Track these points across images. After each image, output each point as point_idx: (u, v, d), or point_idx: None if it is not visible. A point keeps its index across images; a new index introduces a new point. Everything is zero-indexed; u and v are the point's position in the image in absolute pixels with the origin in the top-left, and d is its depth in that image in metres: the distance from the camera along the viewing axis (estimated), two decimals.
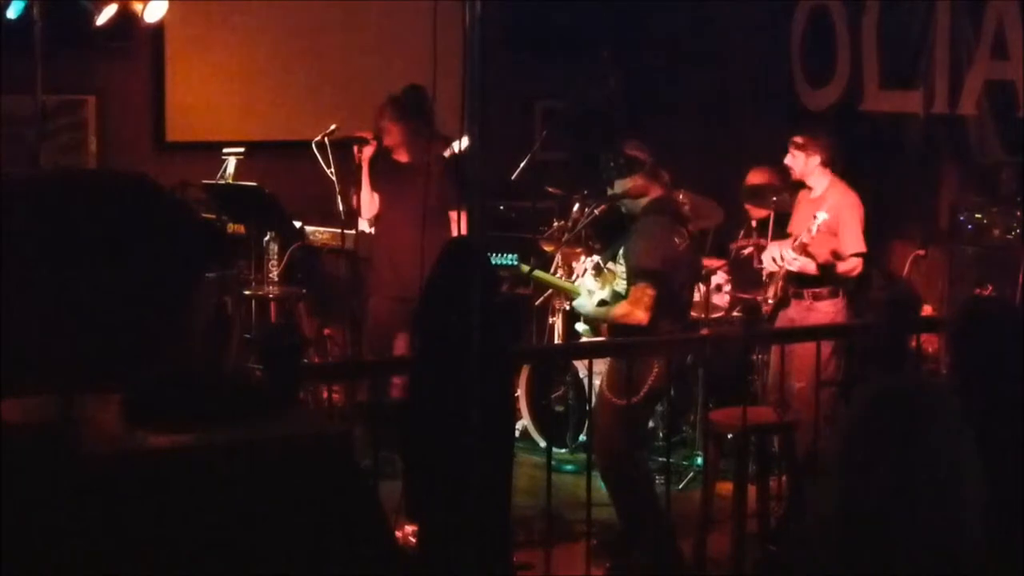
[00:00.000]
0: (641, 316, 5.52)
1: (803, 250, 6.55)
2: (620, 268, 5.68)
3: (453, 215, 6.74)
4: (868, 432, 2.04)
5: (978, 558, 1.99)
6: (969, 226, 7.19)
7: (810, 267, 6.58)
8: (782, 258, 6.62)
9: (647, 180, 5.74)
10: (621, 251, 5.70)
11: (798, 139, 6.81)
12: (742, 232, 7.75)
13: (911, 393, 2.07)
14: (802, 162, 6.78)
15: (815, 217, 6.47)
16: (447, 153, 7.21)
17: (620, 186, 5.77)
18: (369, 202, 7.24)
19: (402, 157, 7.08)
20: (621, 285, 5.65)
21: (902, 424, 2.02)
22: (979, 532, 1.99)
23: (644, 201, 5.75)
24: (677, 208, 6.04)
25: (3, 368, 2.86)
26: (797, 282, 6.70)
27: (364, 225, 7.36)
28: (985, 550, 2.00)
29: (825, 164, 6.76)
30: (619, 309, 5.61)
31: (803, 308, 6.67)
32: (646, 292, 5.52)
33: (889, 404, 2.06)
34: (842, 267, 6.62)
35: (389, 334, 7.10)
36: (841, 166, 6.88)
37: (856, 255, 6.62)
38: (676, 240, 5.69)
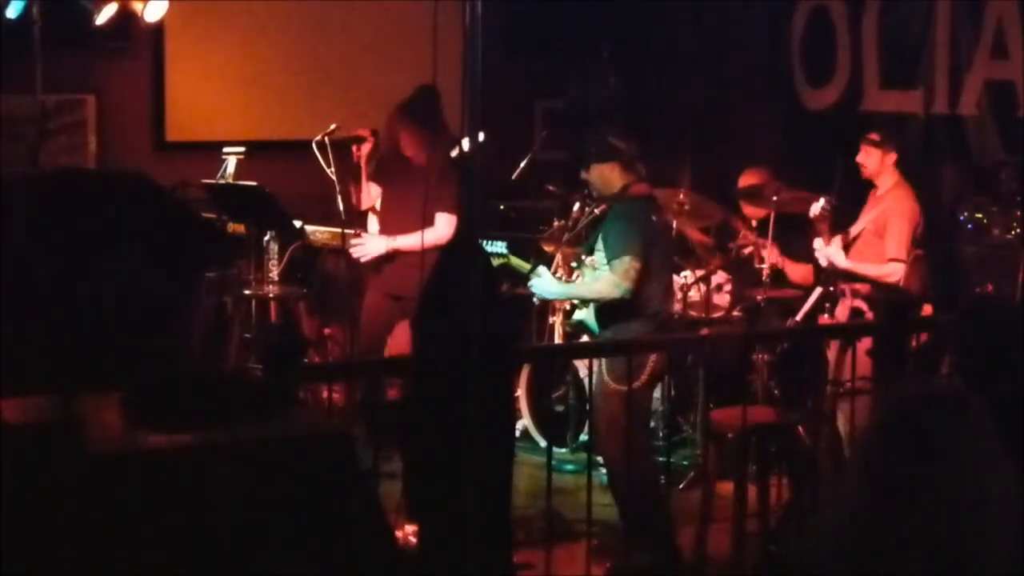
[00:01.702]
0: (625, 288, 5.55)
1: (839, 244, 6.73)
2: (599, 255, 5.71)
3: (441, 216, 6.72)
4: (890, 436, 2.02)
5: (1006, 565, 1.96)
6: (969, 226, 7.19)
7: (860, 270, 6.70)
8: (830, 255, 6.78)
9: (622, 170, 5.78)
10: (599, 238, 5.73)
11: (874, 136, 6.87)
12: (742, 232, 7.75)
13: (936, 398, 2.06)
14: (877, 159, 6.85)
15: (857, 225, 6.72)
16: (454, 153, 7.21)
17: (595, 171, 5.82)
18: (367, 195, 7.25)
19: (420, 160, 7.07)
20: (604, 271, 5.67)
21: (925, 429, 2.00)
22: (1008, 541, 1.97)
23: (618, 187, 5.80)
24: (653, 198, 6.07)
25: (3, 368, 2.86)
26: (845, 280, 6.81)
27: (373, 227, 7.37)
28: (1016, 558, 1.98)
29: (895, 164, 6.84)
30: (601, 283, 5.63)
31: (846, 308, 6.72)
32: (632, 265, 5.55)
33: (913, 409, 2.05)
34: (875, 272, 6.67)
35: (383, 331, 7.10)
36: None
37: (894, 260, 6.66)
38: (653, 218, 5.77)
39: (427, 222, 6.55)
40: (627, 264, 5.56)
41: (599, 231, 5.80)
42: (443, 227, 6.66)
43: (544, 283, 6.01)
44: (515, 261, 6.27)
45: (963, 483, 1.95)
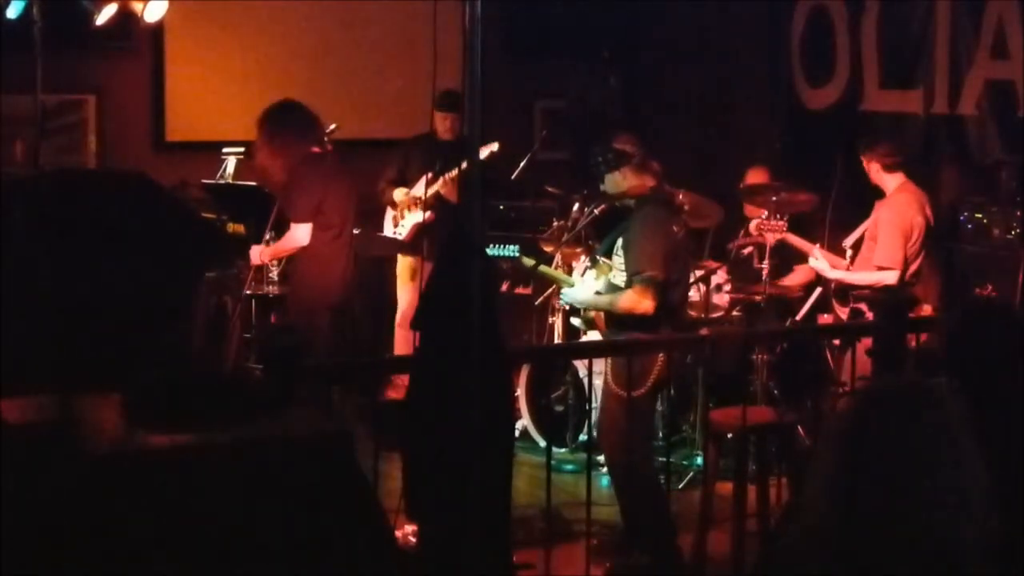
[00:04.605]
0: (648, 305, 5.50)
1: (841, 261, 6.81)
2: (617, 260, 5.67)
3: (292, 225, 6.67)
4: (863, 432, 2.03)
5: (979, 559, 1.97)
6: (969, 226, 7.19)
7: (848, 279, 6.75)
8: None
9: (636, 172, 5.74)
10: (619, 242, 5.69)
11: (882, 148, 6.90)
12: (742, 232, 7.76)
13: (907, 393, 2.06)
14: (872, 171, 6.87)
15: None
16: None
17: (610, 180, 5.78)
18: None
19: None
20: (619, 278, 5.64)
21: (896, 424, 2.01)
22: (980, 535, 1.97)
23: (635, 191, 5.76)
24: (671, 198, 6.05)
25: (3, 368, 2.86)
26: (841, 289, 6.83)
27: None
28: (989, 552, 1.99)
29: (888, 168, 6.83)
30: (625, 299, 5.59)
31: (845, 315, 6.75)
32: (653, 281, 5.51)
33: (884, 403, 2.05)
34: (865, 279, 6.67)
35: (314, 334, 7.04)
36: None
37: (882, 268, 6.64)
38: (674, 228, 5.72)
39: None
40: (648, 281, 5.52)
41: (617, 234, 5.75)
42: (294, 233, 6.60)
43: (575, 290, 5.98)
44: (543, 268, 6.34)
45: (936, 475, 1.96)
